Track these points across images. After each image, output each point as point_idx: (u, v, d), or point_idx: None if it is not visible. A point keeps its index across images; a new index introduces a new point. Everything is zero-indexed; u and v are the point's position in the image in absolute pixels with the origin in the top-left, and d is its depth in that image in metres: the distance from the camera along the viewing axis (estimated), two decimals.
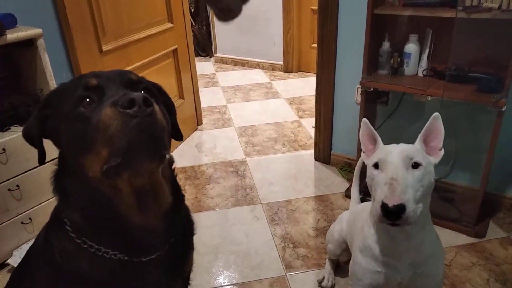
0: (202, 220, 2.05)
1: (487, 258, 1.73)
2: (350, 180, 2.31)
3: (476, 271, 1.67)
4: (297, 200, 2.18)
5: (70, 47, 1.85)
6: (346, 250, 1.52)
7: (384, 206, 0.87)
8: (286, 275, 1.69)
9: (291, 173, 2.44)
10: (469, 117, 1.95)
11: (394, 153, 0.96)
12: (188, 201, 2.18)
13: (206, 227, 2.00)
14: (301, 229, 1.96)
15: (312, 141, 2.74)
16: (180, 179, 2.42)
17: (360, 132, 1.15)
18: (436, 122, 1.06)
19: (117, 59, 2.07)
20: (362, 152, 1.15)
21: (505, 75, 1.56)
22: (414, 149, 0.99)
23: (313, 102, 3.38)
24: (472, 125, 1.96)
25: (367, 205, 1.38)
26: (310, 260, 1.77)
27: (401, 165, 0.93)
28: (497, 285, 1.60)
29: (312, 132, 2.90)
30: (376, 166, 0.98)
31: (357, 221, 1.31)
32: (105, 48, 1.98)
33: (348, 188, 2.21)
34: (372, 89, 1.88)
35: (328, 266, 1.67)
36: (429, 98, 1.76)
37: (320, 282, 1.64)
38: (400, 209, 0.86)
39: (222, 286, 1.65)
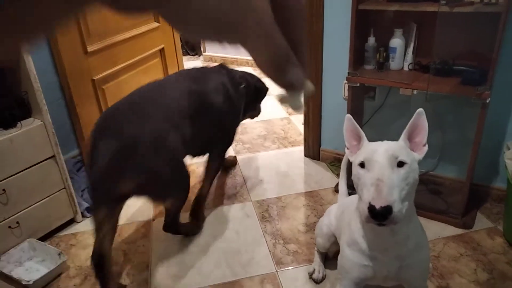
0: None
1: (475, 248, 1.75)
2: (339, 175, 2.32)
3: (464, 261, 1.69)
4: (287, 197, 2.18)
5: (54, 48, 1.83)
6: (335, 243, 1.53)
7: (371, 207, 0.88)
8: (276, 271, 1.70)
9: (281, 170, 2.45)
10: (454, 110, 1.97)
11: (380, 152, 0.96)
12: None
13: None
14: (291, 225, 1.97)
15: (302, 137, 2.75)
16: None
17: (344, 128, 1.16)
18: (420, 118, 1.07)
19: (102, 59, 2.06)
20: (346, 149, 1.16)
21: (488, 67, 1.58)
22: (399, 147, 0.99)
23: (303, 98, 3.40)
24: (458, 117, 1.98)
25: (355, 198, 1.39)
26: (300, 255, 1.77)
27: (386, 165, 0.94)
28: (484, 275, 1.62)
29: (302, 128, 2.91)
30: (362, 165, 0.98)
31: (345, 215, 1.32)
32: (90, 48, 1.97)
33: (338, 183, 2.22)
34: (358, 84, 1.89)
35: (317, 258, 1.67)
36: (415, 92, 1.77)
37: (310, 274, 1.65)
38: (387, 210, 0.87)
39: (212, 285, 1.65)
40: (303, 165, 2.49)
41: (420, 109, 1.06)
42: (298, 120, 3.08)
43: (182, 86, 1.74)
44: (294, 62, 0.39)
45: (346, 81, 1.92)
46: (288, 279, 1.66)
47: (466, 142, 1.96)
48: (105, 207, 1.47)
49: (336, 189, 2.19)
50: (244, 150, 2.68)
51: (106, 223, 1.50)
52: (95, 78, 1.99)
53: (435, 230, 1.85)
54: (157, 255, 1.83)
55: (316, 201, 2.13)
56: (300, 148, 2.63)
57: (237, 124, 2.08)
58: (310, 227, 1.94)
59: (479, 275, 1.62)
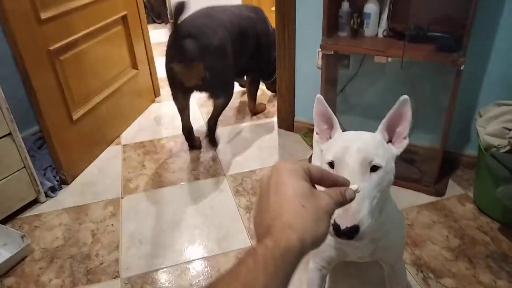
0: (164, 197, 1.98)
1: (447, 215, 1.78)
2: (313, 146, 2.29)
3: (436, 228, 1.71)
4: (261, 170, 2.14)
5: (1, 16, 1.66)
6: None
7: (336, 227, 0.77)
8: (252, 246, 1.67)
9: (254, 142, 2.39)
10: (428, 78, 1.95)
11: (351, 152, 0.83)
12: (148, 177, 2.10)
13: (167, 203, 1.93)
14: None
15: (275, 108, 2.69)
16: (139, 154, 2.32)
17: (314, 111, 1.02)
18: (404, 106, 0.92)
19: (58, 27, 1.89)
20: (315, 133, 1.02)
21: (463, 34, 1.54)
22: (374, 145, 0.86)
23: None
24: (432, 85, 1.96)
25: None
26: None
27: (358, 171, 0.82)
28: (455, 241, 1.64)
29: (274, 99, 2.84)
30: (331, 165, 0.86)
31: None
32: (43, 16, 1.80)
33: (312, 154, 2.19)
34: (332, 52, 1.82)
35: None
36: (389, 59, 1.72)
37: None
38: (354, 230, 0.77)
39: (187, 262, 1.61)
40: (277, 137, 2.44)
41: (405, 97, 0.91)
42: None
43: (237, 11, 2.28)
44: None
45: (320, 49, 1.86)
46: None
47: (440, 110, 1.95)
48: (182, 96, 2.11)
49: (310, 161, 2.16)
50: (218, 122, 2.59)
51: (186, 106, 2.18)
52: (50, 48, 1.83)
53: (409, 199, 1.86)
54: (127, 234, 1.76)
55: None
56: (274, 120, 2.57)
57: (273, 57, 2.35)
58: None
59: (451, 241, 1.64)
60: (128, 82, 2.51)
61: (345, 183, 0.56)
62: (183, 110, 2.19)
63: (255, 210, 0.52)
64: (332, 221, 0.76)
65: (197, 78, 1.93)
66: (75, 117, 2.06)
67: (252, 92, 2.65)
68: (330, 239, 1.05)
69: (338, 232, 0.76)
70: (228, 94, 2.18)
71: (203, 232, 1.75)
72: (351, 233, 0.76)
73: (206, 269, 1.57)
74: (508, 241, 1.62)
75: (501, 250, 1.59)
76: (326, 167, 0.86)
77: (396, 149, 0.92)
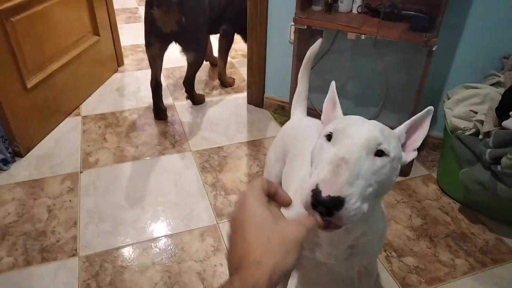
0: (125, 172, 1.89)
1: (410, 195, 1.80)
2: (282, 124, 2.25)
3: (400, 208, 1.74)
4: (229, 146, 2.09)
5: None
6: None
7: (316, 192, 0.60)
8: (217, 223, 1.63)
9: (223, 117, 2.32)
10: (400, 57, 1.94)
11: (358, 128, 0.70)
12: (110, 150, 2.00)
13: (129, 179, 1.85)
14: (233, 175, 1.89)
15: (245, 83, 2.62)
16: (100, 126, 2.20)
17: (327, 98, 0.89)
18: (427, 117, 0.81)
19: None
20: (321, 123, 0.89)
21: (437, 13, 1.52)
22: (389, 133, 0.73)
23: None
24: (403, 65, 1.95)
25: (316, 125, 1.18)
26: None
27: (361, 146, 0.67)
28: (418, 220, 1.68)
29: (244, 74, 2.76)
30: (328, 137, 0.72)
31: (298, 145, 1.14)
32: None
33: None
34: (305, 27, 1.76)
35: None
36: (363, 36, 1.69)
37: None
38: (336, 203, 0.60)
39: (149, 240, 1.55)
40: (245, 112, 2.38)
41: (431, 108, 0.80)
42: (241, 64, 2.92)
43: None
44: None
45: (293, 23, 1.79)
46: None
47: (409, 90, 1.95)
48: (157, 45, 2.10)
49: None
50: (183, 96, 2.50)
51: (158, 57, 2.16)
52: (0, 8, 1.66)
53: None
54: (86, 210, 1.67)
55: (258, 151, 2.06)
56: (243, 95, 2.50)
57: (245, 14, 2.21)
58: (253, 177, 1.88)
59: (414, 220, 1.67)
60: (88, 49, 2.35)
61: (287, 204, 0.55)
62: (155, 60, 2.16)
63: (228, 247, 0.51)
64: (311, 185, 0.61)
65: (173, 23, 2.00)
66: (29, 85, 1.90)
67: (224, 48, 2.56)
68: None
69: (317, 198, 0.59)
70: (200, 49, 2.22)
71: (167, 209, 1.70)
72: (333, 205, 0.59)
73: (169, 247, 1.53)
74: (467, 221, 1.67)
75: (460, 230, 1.63)
76: (322, 140, 0.72)
77: (405, 156, 0.79)
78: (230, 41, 2.56)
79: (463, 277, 1.44)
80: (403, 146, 0.80)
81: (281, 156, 1.29)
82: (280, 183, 1.32)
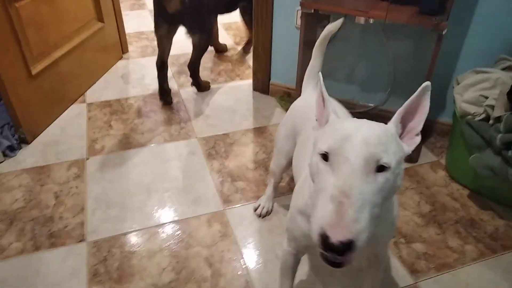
0: (131, 159, 1.88)
1: (419, 181, 1.79)
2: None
3: (409, 194, 1.72)
4: (235, 133, 2.07)
5: None
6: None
7: (324, 238, 0.60)
8: (224, 209, 1.63)
9: (228, 104, 2.31)
10: (408, 41, 1.91)
11: (355, 143, 0.66)
12: (116, 137, 2.00)
13: (136, 165, 1.84)
14: (239, 162, 1.88)
15: (250, 70, 2.60)
16: (105, 114, 2.19)
17: (316, 95, 0.85)
18: (424, 95, 0.75)
19: None
20: (315, 119, 0.84)
21: None
22: (385, 138, 0.68)
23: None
24: (411, 49, 1.92)
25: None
26: (249, 193, 1.71)
27: (360, 169, 0.64)
28: (427, 206, 1.66)
29: (250, 60, 2.74)
30: (324, 157, 0.68)
31: (310, 125, 1.07)
32: None
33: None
34: (313, 11, 1.73)
35: (268, 190, 1.61)
36: (371, 20, 1.66)
37: (255, 209, 1.60)
38: (347, 247, 0.59)
39: (157, 225, 1.55)
40: (251, 99, 2.36)
41: (427, 83, 0.75)
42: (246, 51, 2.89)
43: None
44: None
45: (300, 7, 1.76)
46: (236, 216, 1.60)
47: (417, 75, 1.93)
48: (165, 26, 2.12)
49: None
50: (188, 83, 2.48)
51: (166, 39, 2.18)
52: None
53: None
54: (93, 197, 1.67)
55: (265, 137, 2.05)
56: (249, 82, 2.48)
57: None
58: (259, 164, 1.87)
59: (422, 207, 1.66)
60: (93, 36, 2.33)
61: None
62: (162, 41, 2.20)
63: None
64: (318, 229, 0.62)
65: (177, 2, 2.00)
66: (34, 71, 1.89)
67: (249, 21, 2.59)
68: (305, 228, 0.91)
69: (326, 246, 0.60)
70: (205, 31, 2.21)
71: (173, 195, 1.69)
72: (344, 249, 0.59)
73: (177, 233, 1.53)
74: (476, 207, 1.66)
75: (469, 216, 1.62)
76: (318, 160, 0.69)
77: (407, 146, 0.75)
78: (251, 13, 2.54)
79: (472, 263, 1.43)
80: (402, 135, 0.75)
81: (292, 134, 1.27)
82: (291, 162, 1.30)
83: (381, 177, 0.66)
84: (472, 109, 1.59)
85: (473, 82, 1.62)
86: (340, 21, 1.38)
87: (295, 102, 1.35)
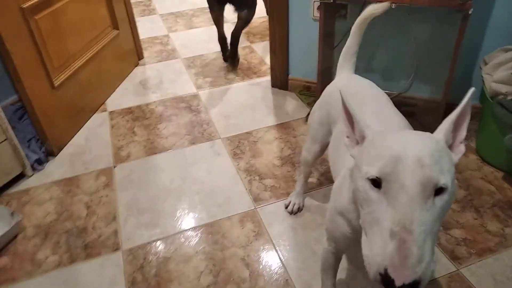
0: (158, 163, 1.89)
1: None
2: (310, 104, 2.21)
3: None
4: (258, 131, 2.06)
5: None
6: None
7: (387, 280, 0.57)
8: (255, 208, 1.62)
9: (248, 103, 2.29)
10: (431, 25, 1.86)
11: (408, 166, 0.60)
12: (140, 143, 2.00)
13: (163, 170, 1.84)
14: (265, 159, 1.86)
15: (267, 67, 2.58)
16: (128, 120, 2.19)
17: (342, 110, 0.79)
18: (469, 101, 0.70)
19: None
20: (345, 137, 0.78)
21: None
22: (437, 155, 0.62)
23: (264, 24, 3.16)
24: (433, 33, 1.87)
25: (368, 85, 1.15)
26: (278, 190, 1.69)
27: (419, 197, 0.59)
28: (461, 192, 1.62)
29: (265, 57, 2.72)
30: (375, 183, 0.63)
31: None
32: None
33: (309, 112, 2.11)
34: (332, 1, 1.70)
35: (298, 187, 1.58)
36: (393, 6, 1.62)
37: (286, 206, 1.59)
38: (414, 286, 0.56)
39: (190, 229, 1.55)
40: (271, 96, 2.34)
41: (473, 89, 0.70)
42: (260, 48, 2.87)
43: None
44: None
45: None
46: (269, 214, 1.58)
47: (442, 59, 1.88)
48: (217, 6, 2.47)
49: (306, 120, 2.09)
50: (206, 85, 2.48)
51: (220, 16, 2.53)
52: (24, 6, 1.65)
53: None
54: (124, 204, 1.68)
55: (288, 133, 2.03)
56: (267, 79, 2.46)
57: None
58: (285, 160, 1.85)
59: (457, 192, 1.62)
60: (109, 44, 2.34)
61: None
62: (218, 21, 2.55)
63: None
64: (378, 268, 0.58)
65: None
66: (56, 83, 1.91)
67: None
68: (348, 232, 0.88)
69: (389, 285, 0.56)
70: (252, 7, 2.47)
71: (203, 197, 1.69)
72: None
73: (210, 235, 1.52)
74: None
75: (506, 199, 1.58)
76: (367, 187, 0.64)
77: (455, 155, 0.70)
78: None
79: None
80: (452, 145, 0.70)
81: (326, 121, 1.22)
82: (324, 149, 1.26)
83: (440, 200, 0.61)
84: (503, 88, 1.54)
85: (503, 61, 1.57)
86: (385, 5, 1.29)
87: (330, 85, 1.28)
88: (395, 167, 0.60)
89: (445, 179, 0.60)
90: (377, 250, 0.59)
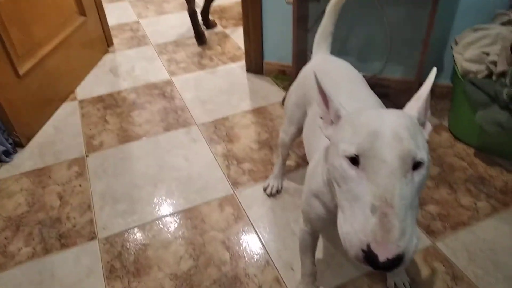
0: (132, 151, 1.84)
1: None
2: (285, 88, 2.20)
3: None
4: (234, 116, 2.04)
5: None
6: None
7: (371, 256, 0.56)
8: (234, 192, 1.61)
9: (223, 88, 2.26)
10: (404, 7, 1.88)
11: (387, 142, 0.60)
12: (113, 132, 1.95)
13: (138, 158, 1.80)
14: (243, 144, 1.85)
15: (241, 51, 2.56)
16: (99, 109, 2.13)
17: (316, 91, 0.77)
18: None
19: None
20: (319, 117, 0.77)
21: None
22: (413, 131, 0.62)
23: (236, 9, 3.12)
24: (404, 15, 1.89)
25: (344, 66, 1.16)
26: (256, 173, 1.69)
27: (399, 173, 0.58)
28: (435, 169, 1.66)
29: (239, 41, 2.69)
30: (354, 161, 0.62)
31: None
32: None
33: (284, 96, 2.11)
34: None
35: (276, 169, 1.58)
36: None
37: (265, 189, 1.58)
38: (397, 261, 0.55)
39: (168, 215, 1.52)
40: (246, 81, 2.32)
41: (435, 68, 0.73)
42: (234, 33, 2.84)
43: None
44: None
45: None
46: (248, 198, 1.58)
47: (414, 41, 1.91)
48: None
49: (283, 103, 2.08)
50: (179, 71, 2.43)
51: None
52: None
53: None
54: (98, 193, 1.63)
55: (265, 117, 2.02)
56: (241, 63, 2.44)
57: None
58: (262, 144, 1.84)
59: (431, 169, 1.66)
60: (76, 30, 2.26)
61: None
62: None
63: None
64: (360, 245, 0.57)
65: None
66: (21, 71, 1.82)
67: None
68: (323, 213, 0.88)
69: (375, 265, 0.55)
70: None
71: (180, 184, 1.66)
72: (394, 265, 0.55)
73: (189, 220, 1.50)
74: (484, 165, 1.66)
75: (478, 174, 1.63)
76: (345, 165, 0.63)
77: (425, 133, 0.70)
78: None
79: (486, 218, 1.44)
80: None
81: (302, 102, 1.21)
82: (301, 131, 1.25)
83: (418, 175, 0.61)
84: (474, 67, 1.58)
85: (473, 40, 1.61)
86: None
87: (306, 66, 1.28)
88: (374, 143, 0.60)
89: (422, 154, 0.61)
90: (358, 227, 0.58)
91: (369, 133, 0.61)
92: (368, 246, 0.55)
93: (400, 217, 0.56)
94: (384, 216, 0.56)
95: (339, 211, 0.65)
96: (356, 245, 0.58)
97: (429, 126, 0.72)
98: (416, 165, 0.60)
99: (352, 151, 0.61)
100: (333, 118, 0.73)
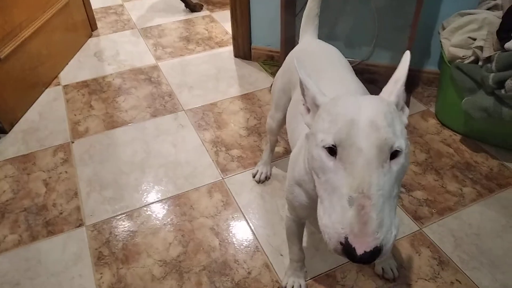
0: (119, 137, 1.81)
1: (411, 131, 1.80)
2: (273, 74, 2.19)
3: None
4: (222, 102, 2.02)
5: None
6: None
7: (348, 249, 0.55)
8: (223, 178, 1.60)
9: (211, 73, 2.24)
10: None
11: (363, 130, 0.58)
12: (98, 117, 1.91)
13: (125, 144, 1.78)
14: (231, 130, 1.84)
15: (229, 36, 2.52)
16: (83, 94, 2.08)
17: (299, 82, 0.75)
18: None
19: None
20: (301, 105, 0.75)
21: None
22: (390, 118, 0.61)
23: None
24: (395, 1, 1.89)
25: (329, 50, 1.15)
26: (245, 160, 1.68)
27: (376, 161, 0.57)
28: (422, 155, 1.68)
29: (226, 26, 2.65)
30: (331, 151, 0.61)
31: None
32: None
33: (272, 82, 2.09)
34: None
35: (265, 156, 1.58)
36: None
37: (254, 175, 1.58)
38: (376, 254, 0.55)
39: (156, 202, 1.51)
40: (234, 66, 2.30)
41: (408, 52, 0.72)
42: (221, 17, 2.79)
43: None
44: None
45: None
46: (237, 184, 1.57)
47: (401, 26, 1.90)
48: None
49: (270, 90, 2.07)
50: (166, 56, 2.39)
51: None
52: None
53: None
54: (85, 180, 1.61)
55: (253, 103, 2.00)
56: (229, 49, 2.41)
57: None
58: (251, 130, 1.83)
59: (418, 156, 1.68)
60: (59, 13, 2.19)
61: None
62: None
63: None
64: (338, 237, 0.56)
65: None
66: (2, 55, 1.76)
67: None
68: (307, 201, 0.88)
69: (353, 258, 0.55)
70: None
71: (169, 170, 1.65)
72: (372, 258, 0.54)
73: (178, 207, 1.49)
74: (470, 151, 1.69)
75: (464, 160, 1.65)
76: (323, 155, 0.61)
77: (404, 117, 0.70)
78: None
79: (472, 204, 1.47)
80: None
81: (288, 88, 1.20)
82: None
83: (396, 164, 0.60)
84: (460, 52, 1.59)
85: (460, 25, 1.61)
86: None
87: (293, 50, 1.26)
88: (350, 132, 0.59)
89: (399, 142, 0.59)
90: (336, 219, 0.57)
91: (345, 122, 0.60)
92: (346, 239, 0.55)
93: (377, 208, 0.55)
94: (361, 208, 0.55)
95: (319, 202, 0.64)
96: (334, 238, 0.57)
97: (407, 110, 0.71)
98: (394, 154, 0.59)
99: (329, 141, 0.60)
100: (310, 106, 0.71)
